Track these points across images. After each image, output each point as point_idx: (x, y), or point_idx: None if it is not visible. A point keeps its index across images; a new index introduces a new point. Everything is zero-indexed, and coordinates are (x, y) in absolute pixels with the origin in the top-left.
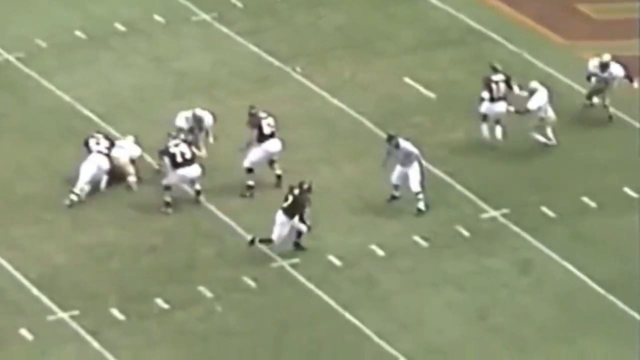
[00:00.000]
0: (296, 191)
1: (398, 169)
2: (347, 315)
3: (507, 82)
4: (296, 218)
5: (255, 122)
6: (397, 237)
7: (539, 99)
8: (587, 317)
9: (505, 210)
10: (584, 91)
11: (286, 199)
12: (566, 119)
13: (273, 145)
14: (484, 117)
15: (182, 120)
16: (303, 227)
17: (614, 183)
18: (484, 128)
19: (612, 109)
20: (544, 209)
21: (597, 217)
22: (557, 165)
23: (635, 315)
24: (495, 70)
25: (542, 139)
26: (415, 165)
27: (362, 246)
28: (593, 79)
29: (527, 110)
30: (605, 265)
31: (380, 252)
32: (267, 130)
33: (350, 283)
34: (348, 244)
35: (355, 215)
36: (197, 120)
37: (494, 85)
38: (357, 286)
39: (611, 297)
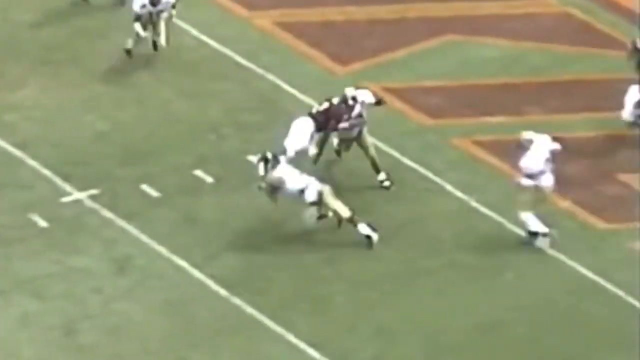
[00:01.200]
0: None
1: None
2: None
3: None
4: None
5: None
6: None
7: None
8: (207, 326)
9: (93, 191)
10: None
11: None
12: (169, 65)
13: None
14: (138, 17)
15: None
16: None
17: (231, 150)
18: (137, 26)
19: None
20: (145, 188)
21: (215, 195)
22: (160, 128)
23: (264, 319)
24: None
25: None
26: None
27: None
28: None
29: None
30: (223, 259)
31: None
32: None
33: None
34: None
35: None
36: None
37: None
38: None
39: (235, 300)
